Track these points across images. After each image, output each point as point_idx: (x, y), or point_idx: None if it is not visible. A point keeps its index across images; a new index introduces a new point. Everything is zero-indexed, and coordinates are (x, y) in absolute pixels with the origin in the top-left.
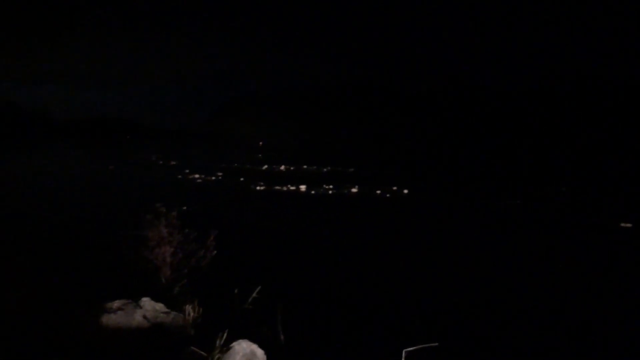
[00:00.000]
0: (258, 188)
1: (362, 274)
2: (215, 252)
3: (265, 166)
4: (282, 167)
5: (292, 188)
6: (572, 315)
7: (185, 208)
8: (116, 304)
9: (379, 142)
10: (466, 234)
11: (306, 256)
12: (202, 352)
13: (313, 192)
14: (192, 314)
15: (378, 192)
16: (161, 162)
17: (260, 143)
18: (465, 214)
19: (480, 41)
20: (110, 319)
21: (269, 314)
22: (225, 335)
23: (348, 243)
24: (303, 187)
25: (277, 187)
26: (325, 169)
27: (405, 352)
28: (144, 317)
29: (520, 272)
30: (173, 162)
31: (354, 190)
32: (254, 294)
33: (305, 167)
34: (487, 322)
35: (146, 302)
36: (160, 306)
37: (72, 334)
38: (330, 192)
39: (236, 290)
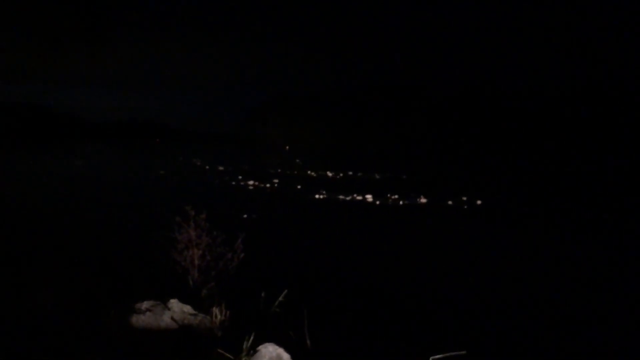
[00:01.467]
0: (318, 197)
1: (392, 280)
2: (243, 254)
3: (313, 172)
4: (330, 174)
5: (359, 198)
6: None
7: (245, 216)
8: (145, 304)
9: (412, 146)
10: (538, 249)
11: (342, 263)
12: (229, 355)
13: (378, 202)
14: (219, 316)
15: (450, 202)
16: (208, 167)
17: (287, 147)
18: (550, 228)
19: (518, 42)
20: (140, 320)
21: (295, 318)
22: (252, 338)
23: (394, 253)
24: (369, 197)
25: (341, 197)
26: (377, 176)
27: (432, 359)
28: (172, 318)
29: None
30: (220, 168)
31: (423, 200)
32: (281, 298)
33: (350, 173)
34: (518, 331)
35: (174, 303)
36: (188, 308)
37: (102, 334)
38: (400, 202)
39: (263, 294)
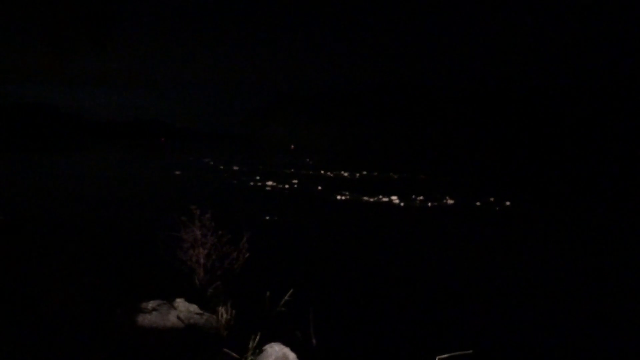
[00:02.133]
0: (340, 197)
1: (401, 280)
2: (248, 254)
3: (329, 172)
4: (345, 174)
5: (384, 199)
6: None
7: (267, 218)
8: (151, 304)
9: (420, 146)
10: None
11: (353, 264)
12: (235, 354)
13: (402, 203)
14: (225, 315)
15: (478, 203)
16: (222, 167)
17: (292, 146)
18: (577, 231)
19: (526, 39)
20: (146, 319)
21: (301, 317)
22: (257, 337)
23: (410, 254)
24: (395, 198)
25: (365, 198)
26: (395, 176)
27: (438, 359)
28: (178, 317)
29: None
30: (235, 168)
31: (450, 201)
32: (286, 297)
33: (364, 173)
34: (524, 331)
35: (180, 303)
36: (194, 307)
37: (109, 333)
38: (429, 204)
39: (268, 293)
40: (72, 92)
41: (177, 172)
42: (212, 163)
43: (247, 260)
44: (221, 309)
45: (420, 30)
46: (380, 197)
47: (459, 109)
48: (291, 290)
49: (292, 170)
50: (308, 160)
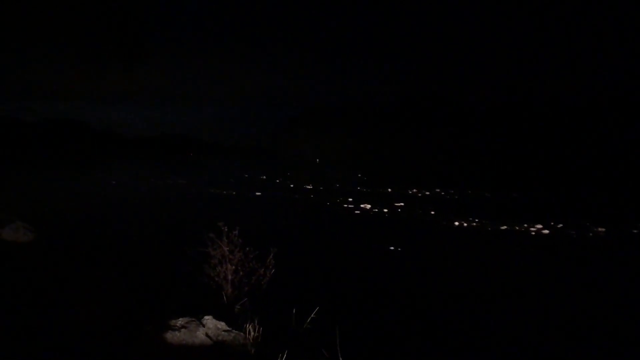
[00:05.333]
0: (459, 224)
1: (430, 299)
2: (273, 270)
3: (414, 190)
4: (415, 190)
5: (532, 229)
6: None
7: (397, 249)
8: (180, 321)
9: (452, 160)
10: None
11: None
12: None
13: (541, 231)
14: (252, 333)
15: (634, 231)
16: (292, 186)
17: (317, 160)
18: None
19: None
20: (175, 336)
21: (327, 335)
22: (285, 356)
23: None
24: (541, 227)
25: (504, 226)
26: (487, 194)
27: None
28: (207, 335)
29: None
30: (308, 186)
31: (601, 229)
32: (313, 315)
33: (438, 190)
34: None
35: (208, 320)
36: (222, 324)
37: (138, 350)
38: (590, 234)
39: (294, 310)
40: (102, 108)
41: (258, 193)
42: (278, 181)
43: (276, 276)
44: (248, 326)
45: (447, 42)
46: (526, 225)
47: (489, 122)
48: (317, 308)
49: (359, 188)
50: (359, 175)
